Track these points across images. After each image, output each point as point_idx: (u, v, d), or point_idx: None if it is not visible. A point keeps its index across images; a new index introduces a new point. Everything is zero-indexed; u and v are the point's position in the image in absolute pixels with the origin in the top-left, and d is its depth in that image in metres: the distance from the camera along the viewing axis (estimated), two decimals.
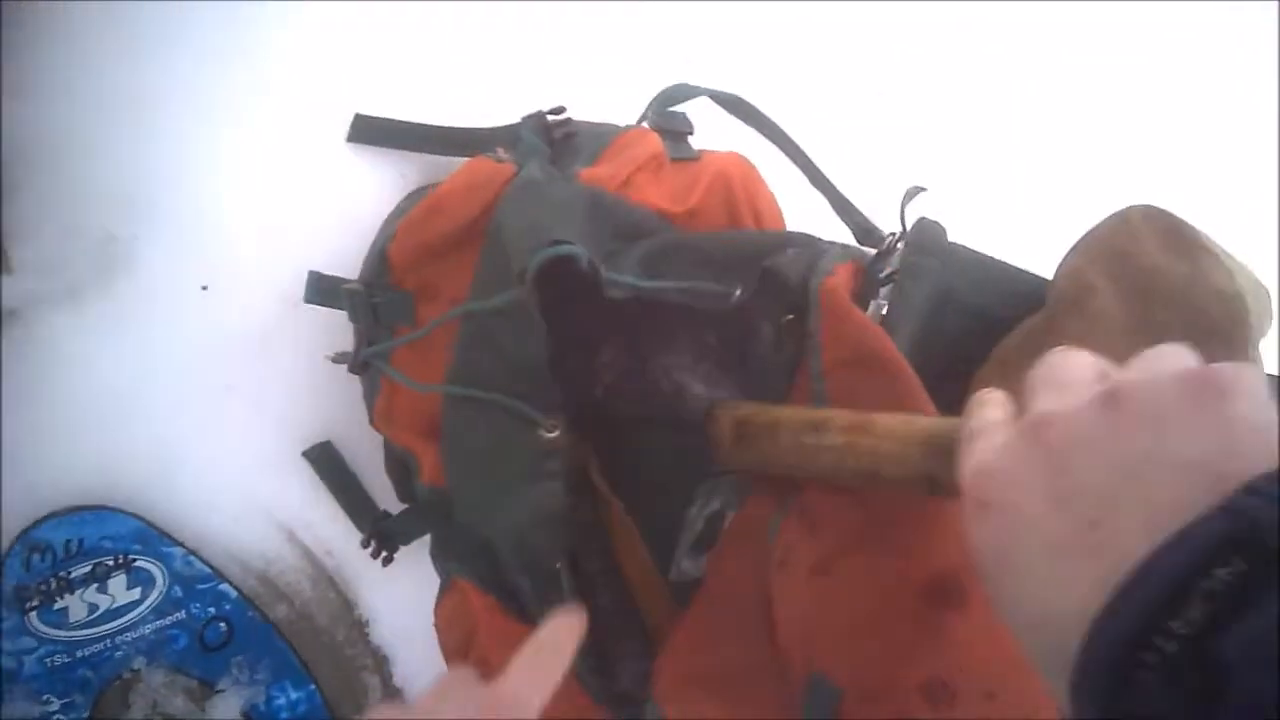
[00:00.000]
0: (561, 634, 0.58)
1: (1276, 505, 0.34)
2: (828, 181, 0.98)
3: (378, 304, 0.91)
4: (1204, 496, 0.37)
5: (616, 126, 0.98)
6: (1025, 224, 1.03)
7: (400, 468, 0.97)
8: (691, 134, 1.00)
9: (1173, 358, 0.44)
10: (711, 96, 1.07)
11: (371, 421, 0.96)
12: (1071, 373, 0.47)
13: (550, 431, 0.79)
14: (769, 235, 0.90)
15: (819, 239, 0.83)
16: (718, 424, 0.80)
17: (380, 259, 0.91)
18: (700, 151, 0.97)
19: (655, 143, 0.94)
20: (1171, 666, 0.34)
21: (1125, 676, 0.35)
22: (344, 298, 0.92)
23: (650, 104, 1.04)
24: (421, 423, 0.91)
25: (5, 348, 0.97)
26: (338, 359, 0.95)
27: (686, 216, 0.88)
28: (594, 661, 0.82)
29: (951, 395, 0.74)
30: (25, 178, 0.97)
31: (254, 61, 1.01)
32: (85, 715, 0.95)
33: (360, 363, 0.94)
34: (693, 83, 1.03)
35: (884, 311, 0.81)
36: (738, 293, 0.78)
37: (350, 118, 1.02)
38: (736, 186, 0.91)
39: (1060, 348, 0.49)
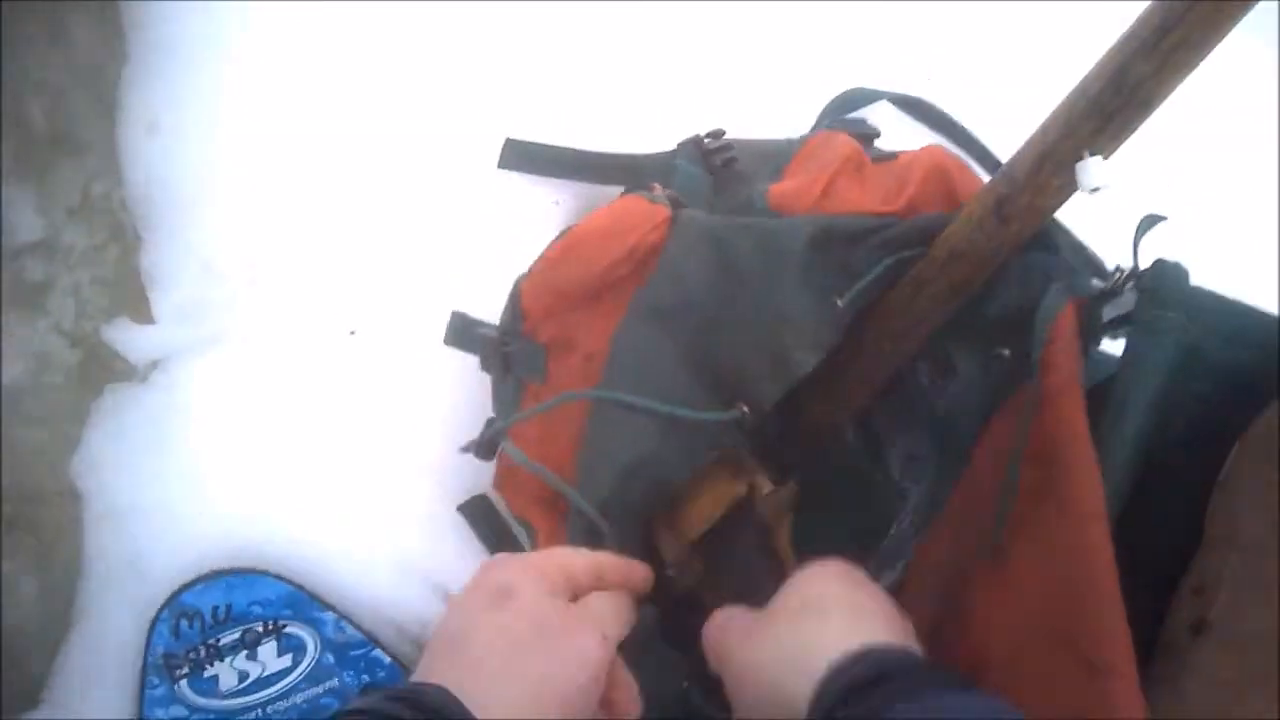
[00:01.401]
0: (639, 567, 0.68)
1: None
2: None
3: (509, 354, 0.84)
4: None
5: (784, 140, 0.90)
6: None
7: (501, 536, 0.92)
8: (879, 137, 0.93)
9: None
10: (892, 100, 1.01)
11: (493, 484, 0.89)
12: None
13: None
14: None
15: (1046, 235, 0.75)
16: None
17: (514, 305, 0.83)
18: (897, 151, 0.87)
19: (848, 143, 0.84)
20: None
21: None
22: (478, 344, 0.86)
23: (825, 111, 0.97)
24: (544, 491, 0.82)
25: (150, 400, 0.93)
26: (469, 448, 0.87)
27: (904, 210, 0.78)
28: None
29: (1203, 464, 0.68)
30: (161, 220, 0.93)
31: (399, 90, 0.96)
32: None
33: (483, 447, 0.86)
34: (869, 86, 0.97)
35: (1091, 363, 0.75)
36: None
37: (501, 143, 0.96)
38: (956, 178, 0.79)
39: None
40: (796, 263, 0.73)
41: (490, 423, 0.87)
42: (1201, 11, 0.56)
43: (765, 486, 0.77)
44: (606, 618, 0.63)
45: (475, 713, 0.52)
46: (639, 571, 0.69)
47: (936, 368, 0.82)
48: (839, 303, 0.75)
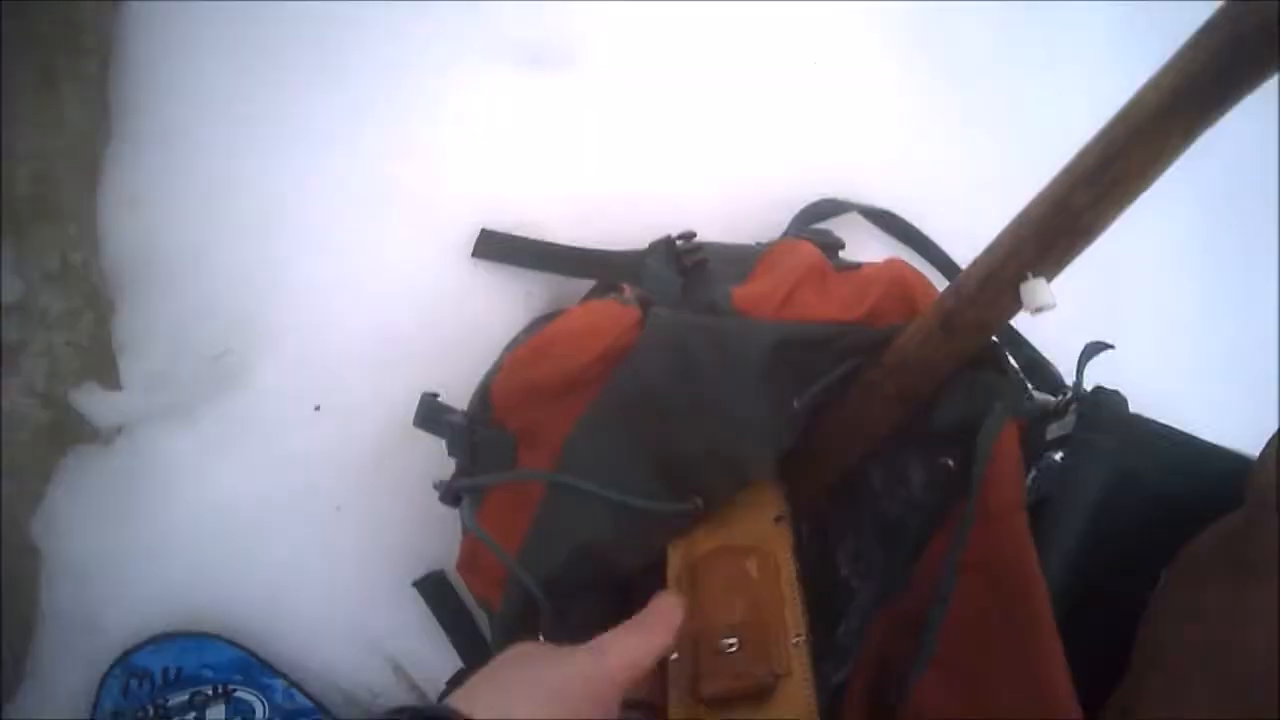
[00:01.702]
0: (664, 612, 0.65)
1: None
2: None
3: (477, 442, 0.84)
4: None
5: (753, 245, 0.92)
6: None
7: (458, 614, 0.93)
8: (843, 248, 0.95)
9: None
10: (861, 211, 1.03)
11: (455, 565, 0.90)
12: None
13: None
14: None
15: (997, 354, 0.78)
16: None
17: (483, 396, 0.83)
18: (860, 262, 0.89)
19: (813, 252, 0.85)
20: None
21: None
22: (444, 429, 0.85)
23: (794, 220, 1.00)
24: (503, 573, 0.82)
25: (113, 465, 0.94)
26: (439, 486, 0.87)
27: (865, 319, 0.79)
28: None
29: (1135, 587, 0.70)
30: (136, 290, 0.94)
31: (374, 175, 0.98)
32: None
33: (451, 495, 0.85)
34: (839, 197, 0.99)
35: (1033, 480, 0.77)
36: None
37: (476, 233, 0.98)
38: (916, 290, 0.81)
39: None
40: (755, 368, 0.75)
41: (461, 472, 0.86)
42: (1142, 147, 0.58)
43: None
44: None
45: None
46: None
47: (889, 472, 0.84)
48: (795, 404, 0.77)
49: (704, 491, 0.78)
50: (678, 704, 0.67)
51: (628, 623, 0.65)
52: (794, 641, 0.68)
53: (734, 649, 0.67)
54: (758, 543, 0.76)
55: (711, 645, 0.68)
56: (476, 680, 0.62)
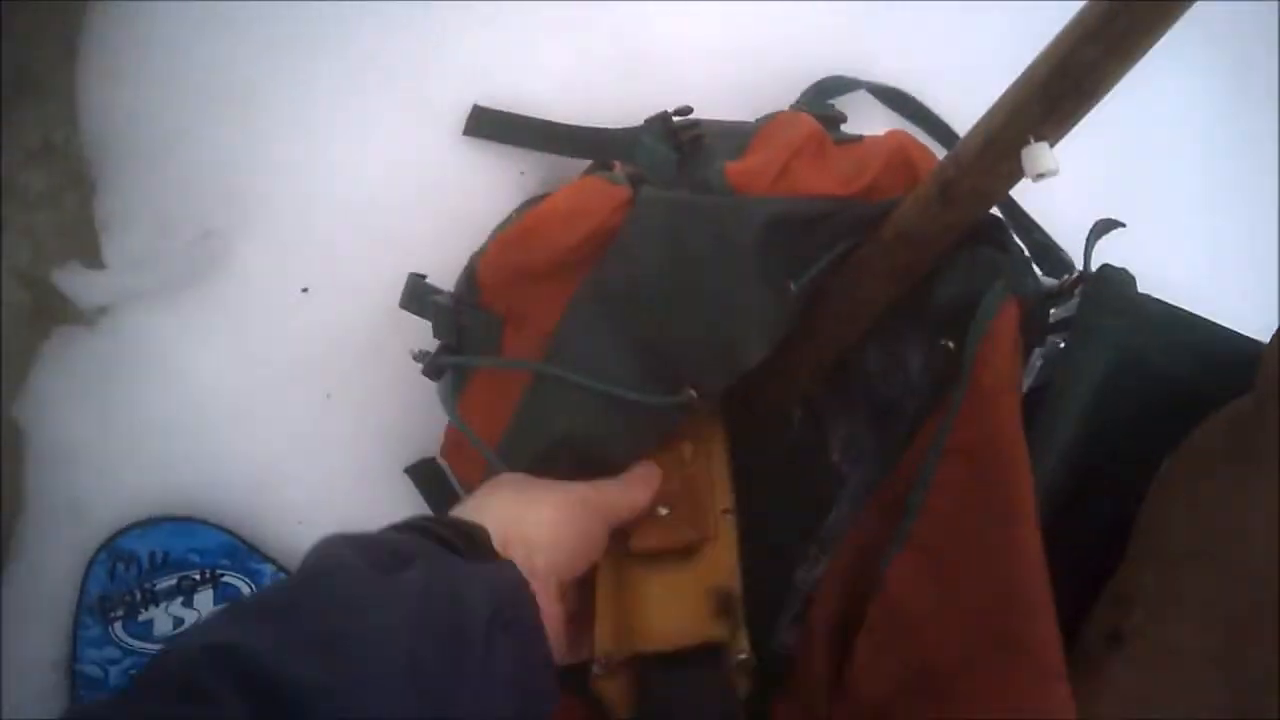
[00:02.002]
0: (644, 473, 0.76)
1: None
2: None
3: (464, 324, 0.81)
4: None
5: (751, 121, 0.88)
6: None
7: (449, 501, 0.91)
8: (844, 121, 0.90)
9: None
10: (870, 89, 0.99)
11: (441, 452, 0.89)
12: None
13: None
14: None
15: (1000, 232, 0.75)
16: None
17: (470, 278, 0.80)
18: (862, 135, 0.85)
19: (811, 123, 0.81)
20: None
21: None
22: (430, 310, 0.82)
23: (802, 96, 0.96)
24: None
25: (97, 346, 0.93)
26: (419, 357, 0.84)
27: (864, 194, 0.76)
28: None
29: (1137, 473, 0.67)
30: (119, 168, 0.92)
31: (364, 50, 0.94)
32: None
33: (434, 369, 0.83)
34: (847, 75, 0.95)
35: (1038, 364, 0.74)
36: None
37: (468, 109, 0.94)
38: (919, 163, 0.78)
39: None
40: (750, 252, 0.72)
41: (444, 349, 0.83)
42: None
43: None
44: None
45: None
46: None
47: (886, 355, 0.81)
48: (792, 288, 0.74)
49: (697, 382, 0.75)
50: (609, 561, 0.74)
51: (611, 479, 0.74)
52: (722, 510, 0.77)
53: (665, 514, 0.76)
54: (692, 431, 0.81)
55: (645, 512, 0.75)
56: (478, 496, 0.69)
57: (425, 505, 0.93)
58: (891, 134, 0.83)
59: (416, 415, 0.93)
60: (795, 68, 1.00)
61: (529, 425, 0.77)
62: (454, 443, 0.87)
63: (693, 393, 0.75)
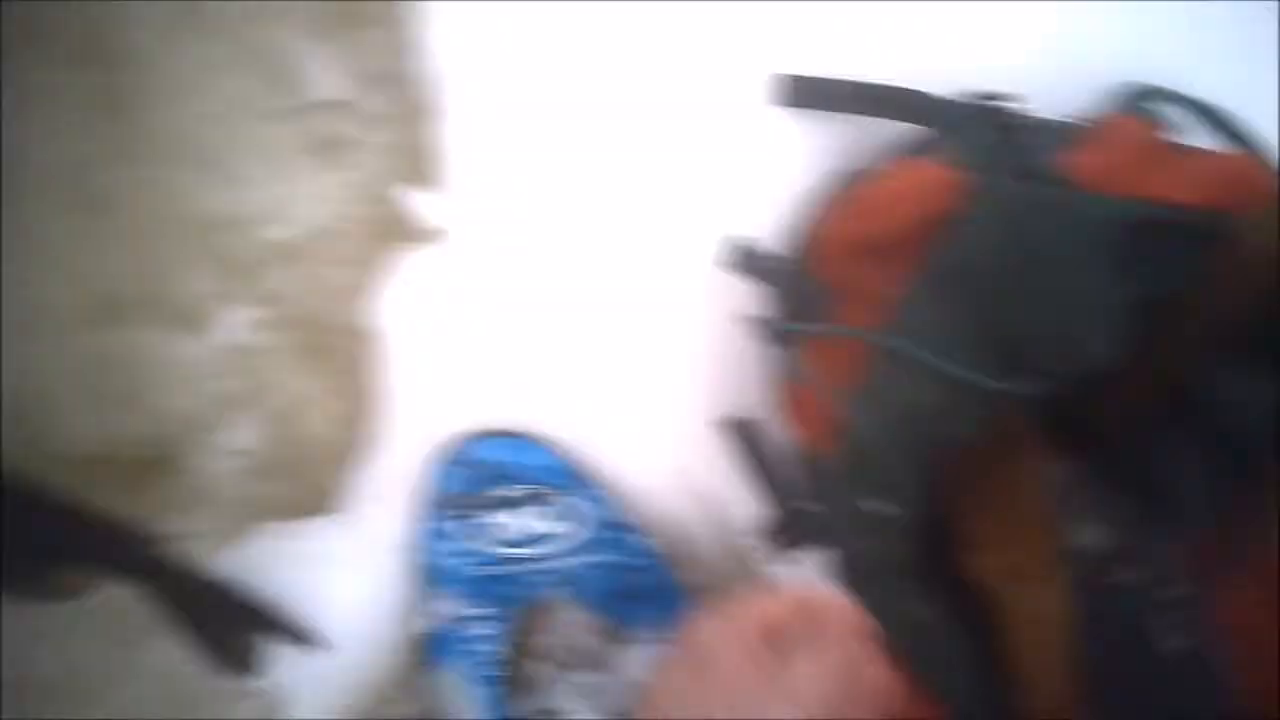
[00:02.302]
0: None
1: None
2: None
3: (802, 290, 0.82)
4: None
5: (1059, 118, 0.84)
6: None
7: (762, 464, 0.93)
8: (1168, 130, 0.84)
9: None
10: (1184, 104, 0.89)
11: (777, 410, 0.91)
12: None
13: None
14: None
15: None
16: None
17: (801, 244, 0.82)
18: (1193, 146, 0.81)
19: (1149, 128, 0.79)
20: None
21: None
22: (767, 272, 0.83)
23: (1115, 97, 0.88)
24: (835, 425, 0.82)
25: (439, 265, 0.98)
26: (754, 320, 0.87)
27: (1216, 208, 0.73)
28: None
29: None
30: (458, 96, 0.96)
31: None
32: (501, 630, 0.98)
33: (777, 334, 0.85)
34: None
35: None
36: None
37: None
38: (1262, 184, 0.75)
39: None
40: (1107, 249, 0.71)
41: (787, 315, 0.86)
42: None
43: None
44: (809, 692, 0.64)
45: None
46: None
47: (1236, 384, 0.78)
48: (1145, 294, 0.73)
49: (1037, 377, 0.74)
50: None
51: None
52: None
53: None
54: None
55: None
56: None
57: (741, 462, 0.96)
58: (1230, 153, 0.80)
59: (736, 374, 0.96)
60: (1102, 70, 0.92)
61: (874, 395, 0.78)
62: (794, 404, 0.88)
63: (1029, 385, 0.75)
